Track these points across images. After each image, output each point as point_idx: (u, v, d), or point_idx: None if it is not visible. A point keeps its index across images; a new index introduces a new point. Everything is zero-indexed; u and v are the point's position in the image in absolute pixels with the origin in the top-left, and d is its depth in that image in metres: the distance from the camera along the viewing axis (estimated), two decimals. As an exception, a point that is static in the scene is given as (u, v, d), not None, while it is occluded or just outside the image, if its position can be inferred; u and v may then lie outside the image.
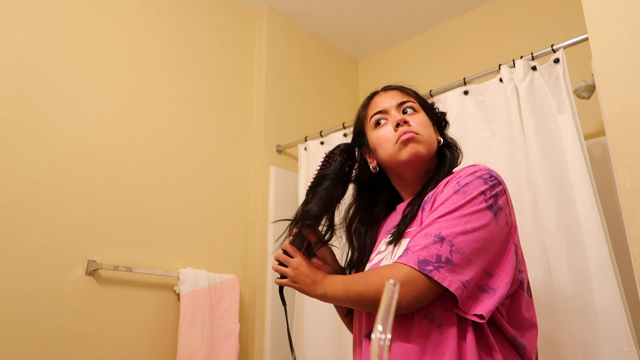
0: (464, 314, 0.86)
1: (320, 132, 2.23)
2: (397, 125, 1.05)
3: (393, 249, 1.00)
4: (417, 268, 0.84)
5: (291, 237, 1.13)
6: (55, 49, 1.74)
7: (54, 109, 1.69)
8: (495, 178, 0.95)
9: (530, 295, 0.98)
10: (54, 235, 1.59)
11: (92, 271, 1.64)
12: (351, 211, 1.18)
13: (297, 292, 2.03)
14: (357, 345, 1.05)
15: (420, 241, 0.88)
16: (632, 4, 1.18)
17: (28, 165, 1.59)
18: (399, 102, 1.10)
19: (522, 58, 1.60)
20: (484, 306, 0.85)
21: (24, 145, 1.60)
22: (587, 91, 1.68)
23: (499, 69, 1.66)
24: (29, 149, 1.60)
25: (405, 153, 1.03)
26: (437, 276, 0.83)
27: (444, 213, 0.89)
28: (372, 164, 1.13)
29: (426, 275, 0.84)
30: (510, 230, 0.94)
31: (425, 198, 1.00)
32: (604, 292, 1.27)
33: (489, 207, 0.90)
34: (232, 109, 2.29)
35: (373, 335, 0.40)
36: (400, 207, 1.10)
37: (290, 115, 2.46)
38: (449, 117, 1.74)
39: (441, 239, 0.86)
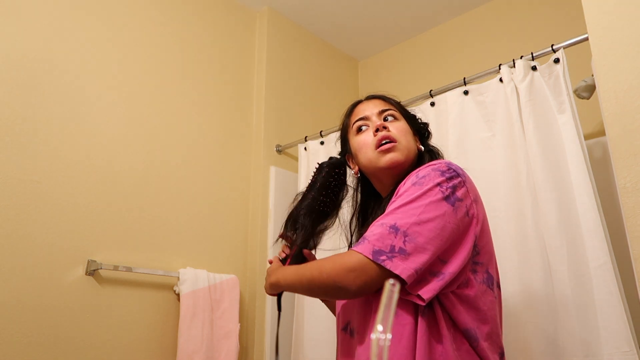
0: (406, 294, 0.89)
1: (320, 132, 2.23)
2: (377, 130, 1.10)
3: None
4: (370, 257, 0.88)
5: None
6: (55, 49, 1.74)
7: (54, 110, 1.69)
8: (454, 170, 0.97)
9: (492, 290, 0.98)
10: (54, 235, 1.59)
11: (92, 271, 1.64)
12: (351, 217, 1.23)
13: (296, 294, 2.04)
14: (338, 339, 1.10)
15: (376, 231, 0.91)
16: (632, 4, 1.18)
17: (28, 165, 1.59)
18: (380, 109, 1.15)
19: (522, 58, 1.60)
20: (429, 289, 0.88)
21: (24, 145, 1.60)
22: (587, 91, 1.68)
23: (499, 69, 1.66)
24: (29, 149, 1.60)
25: (384, 160, 1.08)
26: (389, 265, 0.87)
27: (401, 204, 0.93)
28: (355, 169, 1.19)
29: (378, 264, 0.87)
30: (471, 221, 0.96)
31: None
32: (604, 292, 1.27)
33: (445, 198, 0.93)
34: (232, 109, 2.29)
35: (373, 335, 0.40)
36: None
37: (290, 115, 2.46)
38: (448, 119, 1.76)
39: (396, 230, 0.89)
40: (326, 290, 0.97)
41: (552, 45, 1.56)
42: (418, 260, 0.87)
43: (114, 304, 1.69)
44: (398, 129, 1.11)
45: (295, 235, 1.16)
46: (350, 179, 1.22)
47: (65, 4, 1.81)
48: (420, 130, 1.20)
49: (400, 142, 1.08)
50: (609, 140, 1.19)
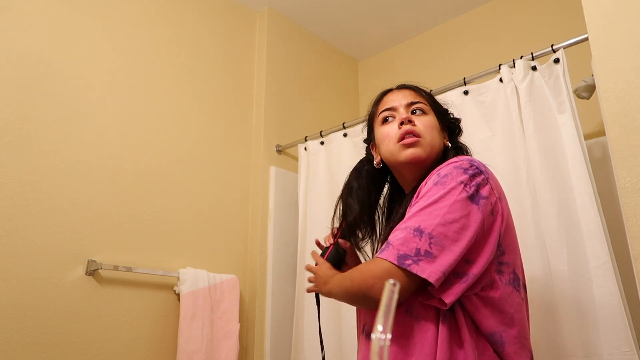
0: (428, 299, 0.88)
1: (320, 132, 2.23)
2: (402, 123, 1.06)
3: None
4: (396, 263, 0.86)
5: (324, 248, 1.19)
6: (55, 49, 1.74)
7: (54, 110, 1.69)
8: (477, 167, 0.94)
9: (518, 291, 0.96)
10: (54, 235, 1.59)
11: (92, 271, 1.64)
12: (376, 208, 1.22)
13: (296, 291, 2.04)
14: (358, 340, 1.09)
15: (400, 235, 0.89)
16: (632, 4, 1.18)
17: (28, 165, 1.59)
18: (409, 101, 1.11)
19: (522, 58, 1.60)
20: (452, 292, 0.86)
21: (23, 145, 1.60)
22: (587, 91, 1.68)
23: (499, 69, 1.65)
24: (28, 149, 1.60)
25: (404, 155, 1.05)
26: (415, 269, 0.84)
27: (425, 205, 0.90)
28: (376, 159, 1.15)
29: (404, 269, 0.85)
30: (496, 219, 0.93)
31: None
32: (604, 292, 1.27)
33: (470, 197, 0.90)
34: (232, 109, 2.29)
35: (373, 335, 0.40)
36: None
37: (290, 115, 2.46)
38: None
39: (420, 232, 0.87)
40: (358, 300, 0.95)
41: (552, 45, 1.56)
42: (445, 263, 0.85)
43: (114, 304, 1.68)
44: (424, 123, 1.07)
45: (343, 223, 1.16)
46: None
47: (65, 4, 1.81)
48: (451, 126, 1.16)
49: (424, 138, 1.05)
50: (609, 140, 1.19)
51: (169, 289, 1.84)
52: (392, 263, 0.86)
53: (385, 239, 1.01)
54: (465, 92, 1.73)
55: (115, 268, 1.68)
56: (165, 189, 1.93)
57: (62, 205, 1.63)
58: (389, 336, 0.40)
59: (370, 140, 1.19)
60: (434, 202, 0.89)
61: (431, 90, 1.82)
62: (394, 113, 1.10)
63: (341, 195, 1.18)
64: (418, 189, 0.98)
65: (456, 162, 0.95)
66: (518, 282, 0.97)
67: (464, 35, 2.51)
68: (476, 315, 0.90)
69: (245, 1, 2.46)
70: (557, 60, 1.55)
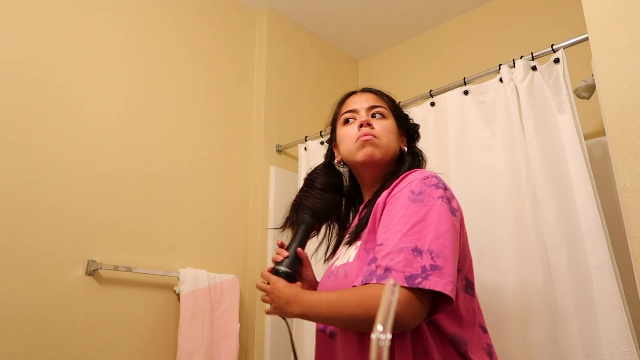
0: (447, 307, 0.88)
1: (320, 132, 2.23)
2: (361, 125, 1.11)
3: (346, 251, 1.05)
4: (406, 285, 0.84)
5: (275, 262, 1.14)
6: (55, 49, 1.74)
7: (54, 109, 1.69)
8: (443, 182, 0.98)
9: (472, 296, 1.00)
10: (54, 235, 1.59)
11: (92, 271, 1.64)
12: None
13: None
14: (317, 338, 1.10)
15: (399, 257, 0.87)
16: (632, 4, 1.18)
17: (28, 165, 1.59)
18: (371, 105, 1.16)
19: (522, 58, 1.60)
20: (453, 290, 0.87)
21: (24, 145, 1.60)
22: (587, 91, 1.68)
23: (499, 69, 1.65)
24: (29, 149, 1.60)
25: (361, 154, 1.09)
26: (427, 285, 0.83)
27: (412, 224, 0.90)
28: (337, 158, 1.20)
29: (417, 289, 0.84)
30: (461, 230, 0.99)
31: (376, 202, 1.02)
32: (604, 292, 1.27)
33: (451, 210, 0.93)
34: (232, 109, 2.29)
35: (373, 335, 0.40)
36: (361, 209, 1.16)
37: (290, 115, 2.46)
38: (448, 119, 1.76)
39: (420, 252, 0.87)
40: (369, 327, 0.89)
41: (552, 45, 1.56)
42: (451, 272, 0.86)
43: (114, 304, 1.68)
44: (382, 126, 1.12)
45: (296, 228, 1.15)
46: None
47: (66, 4, 1.81)
48: (409, 131, 1.21)
49: (381, 140, 1.10)
50: (609, 140, 1.19)
51: (169, 289, 1.84)
52: (403, 286, 0.84)
53: (352, 239, 1.04)
54: (465, 92, 1.73)
55: (115, 268, 1.68)
56: (165, 189, 1.93)
57: (62, 205, 1.63)
58: (389, 336, 0.40)
59: (332, 140, 1.24)
60: (421, 220, 0.90)
61: (431, 91, 1.84)
62: (355, 115, 1.15)
63: (301, 195, 1.18)
64: (384, 201, 0.99)
65: (424, 178, 0.97)
66: (471, 286, 1.00)
67: (464, 35, 2.51)
68: (437, 319, 0.93)
69: (245, 1, 2.46)
70: (557, 60, 1.55)
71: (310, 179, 1.21)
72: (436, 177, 0.99)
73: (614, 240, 1.36)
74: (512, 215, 1.51)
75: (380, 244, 0.91)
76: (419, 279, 0.84)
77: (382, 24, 2.66)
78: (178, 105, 2.07)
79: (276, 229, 1.24)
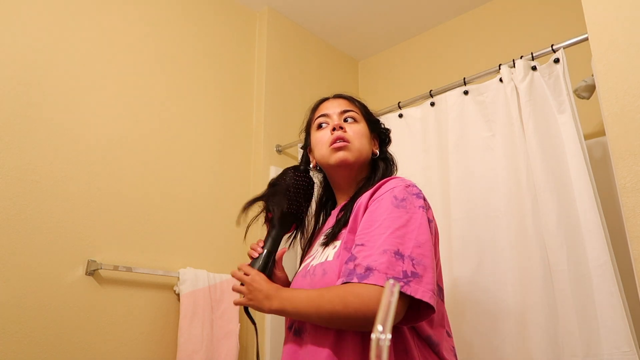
0: (425, 315, 0.91)
1: (320, 132, 2.23)
2: (334, 129, 1.14)
3: (323, 250, 1.06)
4: None
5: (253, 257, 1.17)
6: (55, 48, 1.74)
7: (54, 109, 1.69)
8: (423, 194, 1.02)
9: (442, 300, 1.05)
10: (54, 235, 1.59)
11: (92, 271, 1.64)
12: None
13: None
14: (285, 337, 1.10)
15: (381, 259, 0.89)
16: (632, 4, 1.18)
17: (28, 165, 1.59)
18: (343, 109, 1.20)
19: (522, 58, 1.60)
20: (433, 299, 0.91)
21: (24, 145, 1.60)
22: (587, 91, 1.68)
23: (499, 69, 1.66)
24: (29, 148, 1.60)
25: (334, 158, 1.13)
26: (408, 290, 0.86)
27: (395, 228, 0.93)
28: (312, 163, 1.24)
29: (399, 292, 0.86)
30: (436, 237, 1.05)
31: (356, 204, 1.05)
32: (604, 292, 1.27)
33: (429, 220, 0.98)
34: (232, 109, 2.29)
35: (373, 335, 0.40)
36: (334, 212, 1.18)
37: (290, 115, 2.46)
38: (448, 119, 1.76)
39: (401, 255, 0.90)
40: (352, 324, 0.92)
41: (552, 45, 1.56)
42: (431, 281, 0.89)
43: (114, 304, 1.68)
44: (354, 130, 1.15)
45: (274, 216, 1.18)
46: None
47: (66, 4, 1.81)
48: (381, 136, 1.24)
49: (353, 143, 1.13)
50: (609, 140, 1.19)
51: (169, 289, 1.84)
52: (382, 287, 0.86)
53: (330, 239, 1.06)
54: (465, 92, 1.73)
55: (115, 268, 1.68)
56: (165, 189, 1.93)
57: (62, 205, 1.63)
58: (389, 336, 0.40)
59: (307, 145, 1.28)
60: (403, 226, 0.93)
61: (431, 91, 1.84)
62: (327, 120, 1.19)
63: (274, 193, 1.22)
64: (366, 203, 1.01)
65: (407, 186, 1.01)
66: (441, 292, 1.05)
67: (464, 35, 2.51)
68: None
69: (245, 1, 2.46)
70: (557, 60, 1.55)
71: (285, 180, 1.23)
72: (416, 186, 1.03)
73: (614, 240, 1.36)
74: (512, 215, 1.51)
75: (362, 245, 0.94)
76: (401, 283, 0.87)
77: (382, 24, 2.66)
78: (178, 105, 2.07)
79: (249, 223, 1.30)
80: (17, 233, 1.52)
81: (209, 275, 1.89)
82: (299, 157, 2.27)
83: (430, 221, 1.00)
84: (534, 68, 1.57)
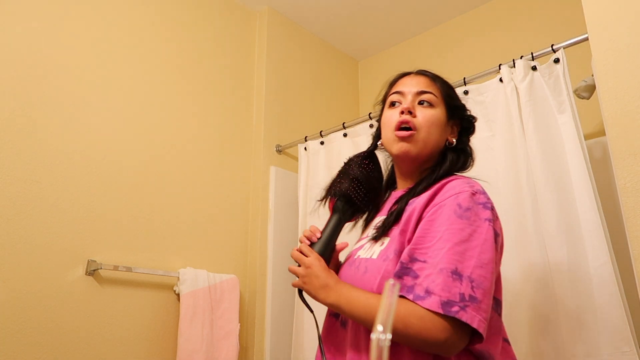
0: (476, 343, 0.84)
1: (320, 132, 2.23)
2: (402, 112, 1.03)
3: (372, 245, 0.98)
4: (441, 311, 0.79)
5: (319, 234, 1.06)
6: (55, 49, 1.74)
7: (54, 109, 1.69)
8: (491, 202, 0.92)
9: (499, 314, 0.95)
10: (54, 235, 1.59)
11: (92, 271, 1.64)
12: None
13: (296, 291, 2.04)
14: (325, 321, 1.05)
15: (438, 280, 0.82)
16: (632, 4, 1.18)
17: (28, 165, 1.59)
18: (420, 90, 1.06)
19: (522, 58, 1.60)
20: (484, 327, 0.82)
21: (24, 145, 1.60)
22: (587, 91, 1.68)
23: (499, 69, 1.65)
24: (29, 149, 1.60)
25: (396, 147, 1.03)
26: (464, 317, 0.79)
27: (454, 243, 0.84)
28: (380, 141, 1.12)
29: (453, 318, 0.79)
30: (501, 252, 0.94)
31: (413, 200, 0.97)
32: (604, 292, 1.27)
33: (495, 235, 0.88)
34: (232, 109, 2.29)
35: (373, 335, 0.40)
36: (392, 198, 1.08)
37: (290, 115, 2.46)
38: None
39: (459, 275, 0.81)
40: (409, 343, 0.85)
41: (552, 45, 1.56)
42: (488, 308, 0.81)
43: (114, 304, 1.68)
44: (426, 117, 1.02)
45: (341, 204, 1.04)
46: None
47: (66, 4, 1.81)
48: (464, 124, 1.10)
49: (419, 132, 1.01)
50: (609, 140, 1.19)
51: (169, 289, 1.84)
52: (436, 312, 0.80)
53: (380, 234, 0.97)
54: (465, 92, 1.73)
55: (115, 268, 1.68)
56: (165, 189, 1.93)
57: (62, 205, 1.63)
58: (389, 336, 0.40)
59: (379, 120, 1.15)
60: (465, 241, 0.84)
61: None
62: (401, 98, 1.07)
63: (348, 184, 1.06)
64: (429, 201, 0.93)
65: (473, 193, 0.90)
66: (499, 304, 0.95)
67: (464, 35, 2.51)
68: None
69: (245, 1, 2.46)
70: (557, 60, 1.55)
71: (353, 168, 1.09)
72: (484, 193, 0.93)
73: (614, 240, 1.36)
74: (512, 216, 1.51)
75: (424, 261, 0.85)
76: (456, 307, 0.79)
77: (382, 24, 2.66)
78: (178, 105, 2.07)
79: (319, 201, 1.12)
80: (17, 233, 1.52)
81: (209, 275, 1.89)
82: (299, 157, 2.28)
83: (497, 235, 0.90)
84: (534, 68, 1.57)
